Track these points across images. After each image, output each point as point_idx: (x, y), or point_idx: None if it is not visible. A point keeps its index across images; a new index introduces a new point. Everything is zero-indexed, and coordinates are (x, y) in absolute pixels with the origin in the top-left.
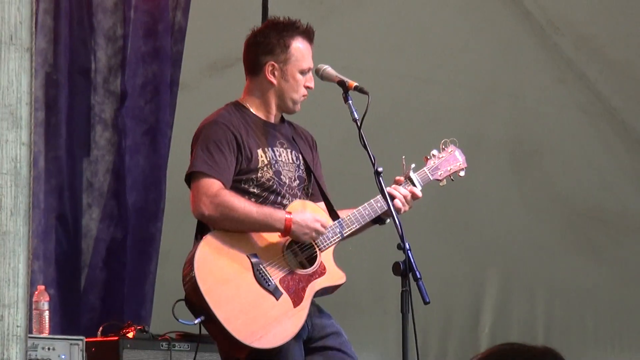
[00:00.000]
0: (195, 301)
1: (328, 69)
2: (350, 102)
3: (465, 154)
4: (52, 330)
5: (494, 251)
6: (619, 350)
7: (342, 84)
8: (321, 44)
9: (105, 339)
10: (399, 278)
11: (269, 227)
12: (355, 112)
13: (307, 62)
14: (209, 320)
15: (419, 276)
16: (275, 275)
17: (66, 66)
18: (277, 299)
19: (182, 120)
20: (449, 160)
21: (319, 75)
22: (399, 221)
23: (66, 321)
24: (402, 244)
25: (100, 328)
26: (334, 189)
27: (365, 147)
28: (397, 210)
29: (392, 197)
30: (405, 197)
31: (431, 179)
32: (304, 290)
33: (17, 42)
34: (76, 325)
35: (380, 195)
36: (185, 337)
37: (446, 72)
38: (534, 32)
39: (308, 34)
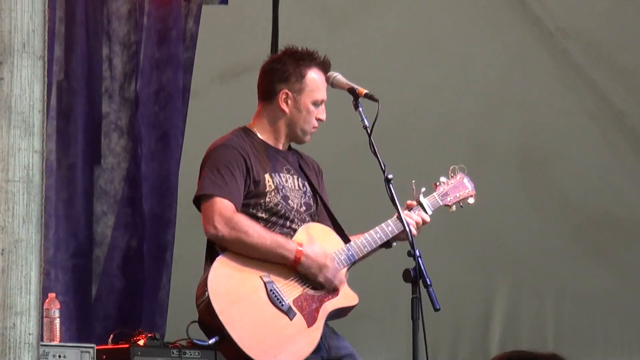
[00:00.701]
0: (209, 321)
1: (338, 77)
2: (360, 109)
3: (475, 160)
4: (68, 338)
5: (503, 258)
6: (629, 354)
7: (352, 91)
8: (331, 52)
9: (116, 346)
10: (410, 284)
11: (280, 257)
12: (365, 119)
13: (321, 94)
14: (223, 340)
15: (429, 283)
16: (289, 295)
17: (82, 74)
18: (290, 319)
19: (193, 127)
20: (458, 187)
21: (330, 82)
22: (409, 228)
23: (80, 329)
24: (412, 251)
25: (111, 336)
26: (342, 197)
27: (375, 154)
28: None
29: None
30: (417, 223)
31: (441, 204)
32: (317, 310)
33: (29, 50)
34: (91, 333)
35: (390, 202)
36: (196, 345)
37: (455, 79)
38: (543, 38)
39: (324, 66)
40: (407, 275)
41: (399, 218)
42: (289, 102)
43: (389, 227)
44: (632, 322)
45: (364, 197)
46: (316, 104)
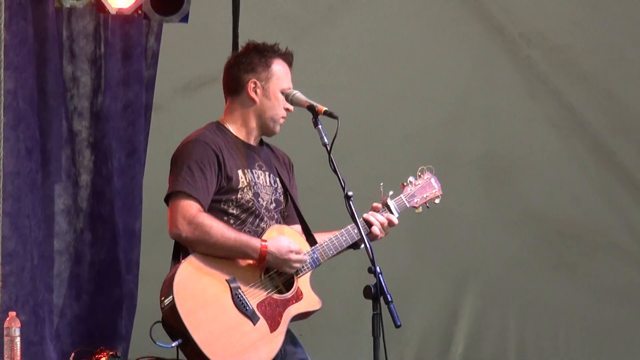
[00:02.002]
0: (174, 324)
1: (298, 94)
2: (320, 126)
3: (439, 169)
4: (29, 357)
5: (467, 268)
6: None
7: (311, 108)
8: (294, 62)
9: None
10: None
11: (245, 255)
12: (325, 137)
13: (288, 83)
14: (187, 344)
15: (390, 299)
16: (253, 299)
17: (54, 92)
18: (254, 324)
19: (158, 141)
20: (425, 187)
21: (289, 100)
22: (369, 245)
23: (42, 347)
24: (373, 268)
25: (72, 354)
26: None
27: (335, 171)
28: (375, 237)
29: (370, 224)
30: (382, 224)
31: (408, 206)
32: (280, 315)
33: None
34: (53, 351)
35: (351, 219)
36: None
37: (419, 88)
38: (506, 46)
39: (287, 57)
40: (367, 292)
41: (360, 235)
42: (258, 91)
43: (355, 229)
44: (594, 334)
45: (329, 208)
46: (283, 92)
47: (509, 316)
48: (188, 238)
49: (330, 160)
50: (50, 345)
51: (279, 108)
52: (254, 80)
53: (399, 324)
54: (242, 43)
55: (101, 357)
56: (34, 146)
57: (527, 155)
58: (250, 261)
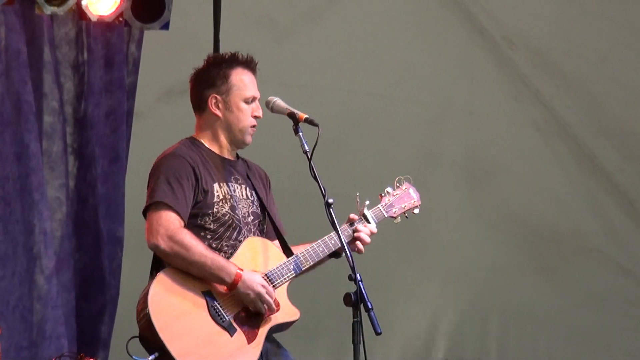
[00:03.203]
0: (150, 337)
1: (278, 101)
2: (300, 134)
3: (420, 170)
4: None
5: (448, 271)
6: None
7: (292, 116)
8: (278, 63)
9: None
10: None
11: (217, 278)
12: (305, 144)
13: (250, 91)
14: (163, 357)
15: (370, 307)
16: (230, 311)
17: (39, 97)
18: (231, 336)
19: (140, 148)
20: (403, 197)
21: (269, 107)
22: (349, 252)
23: (26, 352)
24: (353, 275)
25: None
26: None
27: (315, 178)
28: (359, 250)
29: (357, 239)
30: (367, 235)
31: (386, 216)
32: (258, 326)
33: None
34: (35, 357)
35: (331, 226)
36: None
37: (401, 89)
38: (489, 47)
39: (248, 64)
40: (347, 300)
41: (340, 243)
42: (220, 105)
43: (332, 240)
44: (575, 338)
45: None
46: (247, 101)
47: (490, 320)
48: (165, 251)
49: (311, 168)
50: (38, 350)
51: (244, 119)
52: (214, 95)
53: (379, 331)
54: (224, 48)
55: None
56: (22, 151)
57: (509, 157)
58: None
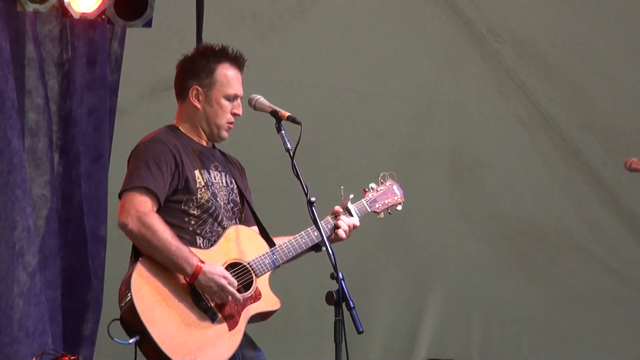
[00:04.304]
0: (131, 321)
1: (261, 99)
2: (283, 132)
3: (405, 166)
4: (2, 357)
5: (432, 268)
6: None
7: (274, 114)
8: (261, 60)
9: None
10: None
11: (179, 267)
12: (288, 142)
13: (233, 89)
14: (144, 340)
15: (352, 305)
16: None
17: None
18: (212, 322)
19: (123, 146)
20: (387, 193)
21: (252, 105)
22: (332, 251)
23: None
24: (335, 274)
25: (34, 358)
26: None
27: (298, 176)
28: (339, 239)
29: (337, 227)
30: (349, 226)
31: (369, 211)
32: (239, 314)
33: None
34: (16, 354)
35: (314, 224)
36: None
37: (386, 84)
38: (475, 41)
39: (237, 61)
40: (329, 298)
41: (323, 242)
42: (200, 97)
43: (315, 232)
44: (557, 336)
45: (295, 206)
46: (229, 98)
47: (472, 317)
48: (132, 231)
49: (293, 166)
50: (20, 346)
51: (222, 115)
52: (196, 87)
53: (361, 330)
54: (209, 40)
55: None
56: (4, 148)
57: (494, 153)
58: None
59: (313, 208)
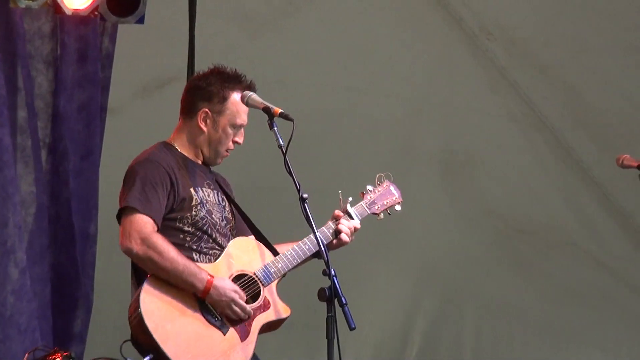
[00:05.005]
0: (143, 340)
1: (253, 96)
2: (275, 128)
3: (398, 164)
4: None
5: (424, 266)
6: None
7: (267, 110)
8: (253, 57)
9: None
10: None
11: (189, 285)
12: (280, 139)
13: (242, 119)
14: (157, 358)
15: (344, 302)
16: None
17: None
18: (224, 334)
19: (115, 144)
20: (385, 194)
21: (244, 102)
22: (324, 248)
23: (7, 345)
24: (327, 270)
25: (26, 355)
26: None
27: (290, 173)
28: (344, 243)
29: (340, 231)
30: (350, 229)
31: (368, 212)
32: (249, 325)
33: None
34: (7, 351)
35: (306, 221)
36: None
37: (378, 82)
38: (467, 39)
39: (249, 89)
40: (322, 294)
41: (315, 237)
42: (208, 121)
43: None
44: (550, 333)
45: (288, 203)
46: (234, 126)
47: (465, 315)
48: (138, 255)
49: (286, 163)
50: (12, 343)
51: (225, 142)
52: (206, 110)
53: (353, 326)
54: (199, 43)
55: (55, 358)
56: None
57: (487, 150)
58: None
59: (305, 204)
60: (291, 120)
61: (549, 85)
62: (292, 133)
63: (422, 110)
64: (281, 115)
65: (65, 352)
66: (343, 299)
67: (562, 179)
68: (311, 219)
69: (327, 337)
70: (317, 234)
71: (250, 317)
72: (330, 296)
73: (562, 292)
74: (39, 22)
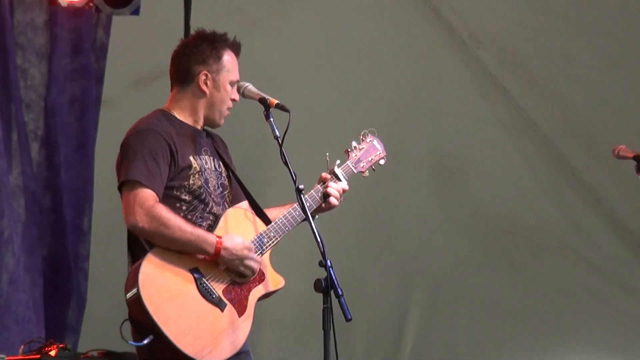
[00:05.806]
0: (143, 320)
1: (250, 87)
2: (271, 119)
3: (387, 168)
4: None
5: (415, 267)
6: None
7: (263, 101)
8: (246, 55)
9: (26, 357)
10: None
11: (200, 249)
12: (276, 130)
13: (236, 75)
14: (158, 340)
15: (340, 293)
16: (218, 287)
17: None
18: (222, 311)
19: (109, 136)
20: (369, 150)
21: (241, 92)
22: (320, 238)
23: (5, 335)
24: (323, 261)
25: (22, 346)
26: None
27: (286, 164)
28: (333, 206)
29: (328, 195)
30: (338, 192)
31: (355, 172)
32: (246, 298)
33: None
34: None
35: (302, 212)
36: (108, 355)
37: (368, 86)
38: (457, 46)
39: (236, 47)
40: (318, 286)
41: (313, 233)
42: (209, 83)
43: (307, 202)
44: (541, 334)
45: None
46: (232, 84)
47: (457, 315)
48: (144, 229)
49: (282, 154)
50: (10, 335)
51: (227, 100)
52: (205, 72)
53: (349, 317)
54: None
55: (51, 350)
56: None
57: (476, 155)
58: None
59: (301, 195)
60: (287, 111)
61: (538, 93)
62: (288, 124)
63: (412, 115)
64: (277, 106)
65: (61, 344)
66: (339, 290)
67: (553, 183)
68: (307, 210)
69: (324, 328)
70: (314, 229)
71: (246, 289)
72: (326, 287)
73: (553, 293)
74: (32, 13)
